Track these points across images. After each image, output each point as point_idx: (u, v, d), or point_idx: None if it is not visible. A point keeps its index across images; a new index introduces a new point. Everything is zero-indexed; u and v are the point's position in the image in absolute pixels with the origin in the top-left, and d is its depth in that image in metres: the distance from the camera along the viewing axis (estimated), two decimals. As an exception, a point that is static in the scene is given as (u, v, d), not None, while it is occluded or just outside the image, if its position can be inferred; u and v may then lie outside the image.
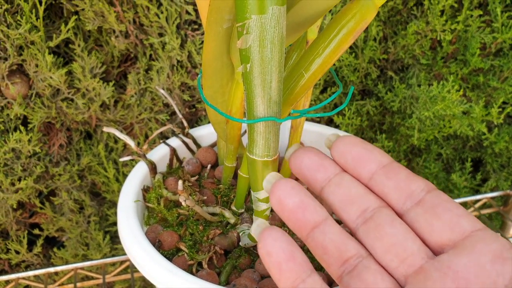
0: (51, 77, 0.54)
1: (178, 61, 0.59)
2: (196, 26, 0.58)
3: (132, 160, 0.53)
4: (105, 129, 0.37)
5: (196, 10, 0.56)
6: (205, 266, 0.32)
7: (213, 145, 0.46)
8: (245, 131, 0.45)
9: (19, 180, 0.58)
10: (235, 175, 0.39)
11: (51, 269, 0.51)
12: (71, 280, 0.53)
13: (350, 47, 0.62)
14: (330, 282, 0.32)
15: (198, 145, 0.45)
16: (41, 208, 0.63)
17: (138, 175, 0.39)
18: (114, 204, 0.66)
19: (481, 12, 0.58)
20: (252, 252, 0.35)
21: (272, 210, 0.38)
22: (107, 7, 0.53)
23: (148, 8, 0.55)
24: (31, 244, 0.65)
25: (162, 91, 0.44)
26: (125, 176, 0.63)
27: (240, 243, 0.35)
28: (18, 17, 0.50)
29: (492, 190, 0.69)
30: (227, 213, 0.36)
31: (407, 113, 0.63)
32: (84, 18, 0.54)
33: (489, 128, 0.67)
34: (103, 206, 0.66)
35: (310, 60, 0.28)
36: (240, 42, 0.23)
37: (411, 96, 0.61)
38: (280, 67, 0.24)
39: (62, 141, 0.60)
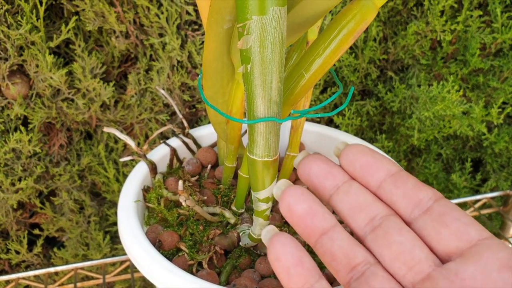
0: (51, 78, 0.54)
1: (178, 62, 0.59)
2: (196, 27, 0.58)
3: (132, 160, 0.54)
4: (105, 129, 0.37)
5: (196, 11, 0.56)
6: (205, 266, 0.32)
7: (213, 145, 0.46)
8: (246, 132, 0.45)
9: (20, 180, 0.58)
10: (235, 175, 0.39)
11: (51, 269, 0.51)
12: (71, 280, 0.53)
13: (350, 48, 0.62)
14: (330, 281, 0.32)
15: (198, 145, 0.45)
16: (41, 208, 0.63)
17: (138, 175, 0.39)
18: (114, 204, 0.66)
19: (481, 13, 0.58)
20: (252, 252, 0.35)
21: (272, 210, 0.38)
22: (107, 7, 0.53)
23: (149, 8, 0.55)
24: (31, 244, 0.65)
25: (162, 91, 0.44)
26: (125, 176, 0.63)
27: (240, 243, 0.35)
28: (19, 18, 0.50)
29: (492, 190, 0.69)
30: (227, 213, 0.36)
31: (407, 113, 0.63)
32: (85, 18, 0.54)
33: (489, 128, 0.67)
34: (103, 206, 0.66)
35: (310, 60, 0.28)
36: (240, 43, 0.23)
37: (411, 96, 0.61)
38: (280, 68, 0.24)
39: (62, 141, 0.60)
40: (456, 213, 0.21)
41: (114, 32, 0.57)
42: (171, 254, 0.34)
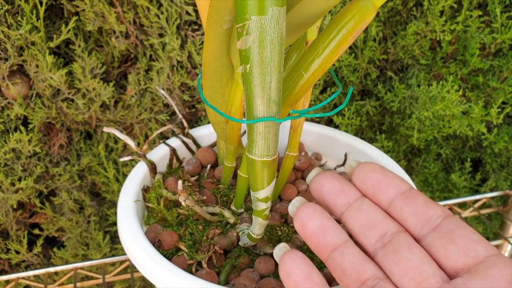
0: (51, 78, 0.54)
1: (178, 62, 0.59)
2: (196, 27, 0.58)
3: (132, 160, 0.54)
4: (105, 129, 0.37)
5: (196, 11, 0.56)
6: (204, 265, 0.32)
7: (213, 145, 0.46)
8: (245, 131, 0.45)
9: (19, 180, 0.58)
10: (235, 175, 0.39)
11: (51, 269, 0.51)
12: (71, 280, 0.53)
13: (350, 48, 0.62)
14: (329, 281, 0.32)
15: (198, 145, 0.45)
16: (41, 208, 0.63)
17: (138, 175, 0.39)
18: (114, 204, 0.66)
19: (480, 13, 0.58)
20: (251, 252, 0.35)
21: (271, 210, 0.38)
22: (107, 7, 0.53)
23: (148, 8, 0.55)
24: (31, 244, 0.65)
25: (162, 91, 0.44)
26: (125, 176, 0.63)
27: (240, 243, 0.35)
28: (19, 18, 0.50)
29: (491, 190, 0.69)
30: (226, 213, 0.36)
31: (407, 113, 0.63)
32: (85, 18, 0.54)
33: (488, 128, 0.68)
34: (103, 206, 0.66)
35: (309, 60, 0.28)
36: (240, 43, 0.23)
37: (411, 96, 0.61)
38: (279, 68, 0.24)
39: (62, 141, 0.60)
40: (464, 230, 0.22)
41: (114, 32, 0.57)
42: (170, 254, 0.34)
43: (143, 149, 0.40)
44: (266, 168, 0.28)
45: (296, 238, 0.35)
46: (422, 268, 0.22)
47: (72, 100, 0.57)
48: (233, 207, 0.37)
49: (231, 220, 0.36)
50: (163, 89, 0.58)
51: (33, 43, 0.53)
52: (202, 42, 0.57)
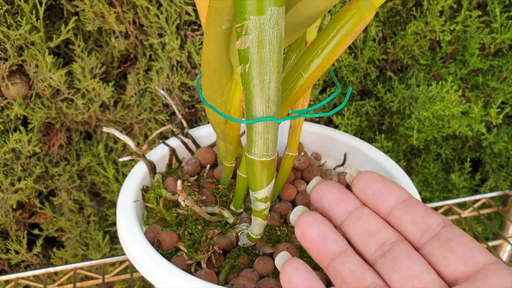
0: (51, 78, 0.54)
1: (177, 62, 0.59)
2: (195, 27, 0.58)
3: (132, 160, 0.54)
4: (105, 129, 0.37)
5: (195, 11, 0.56)
6: (203, 265, 0.32)
7: (212, 145, 0.46)
8: (244, 132, 0.45)
9: (19, 180, 0.58)
10: (234, 175, 0.39)
11: (51, 269, 0.51)
12: (70, 280, 0.53)
13: (350, 48, 0.62)
14: (328, 283, 0.32)
15: (198, 145, 0.45)
16: (40, 208, 0.63)
17: (138, 175, 0.39)
18: (113, 204, 0.66)
19: (480, 13, 0.58)
20: (250, 252, 0.35)
21: (270, 210, 0.38)
22: (107, 7, 0.53)
23: (148, 8, 0.55)
24: (30, 244, 0.65)
25: (161, 91, 0.44)
26: (124, 176, 0.63)
27: (239, 243, 0.35)
28: (18, 18, 0.50)
29: (491, 190, 0.69)
30: (226, 213, 0.36)
31: (406, 113, 0.63)
32: (84, 18, 0.54)
33: (488, 128, 0.68)
34: (102, 206, 0.66)
35: (308, 60, 0.28)
36: (239, 43, 0.23)
37: (410, 96, 0.61)
38: (278, 68, 0.24)
39: (62, 141, 0.60)
40: (463, 239, 0.22)
41: (114, 32, 0.57)
42: (169, 254, 0.34)
43: (143, 149, 0.40)
44: (265, 168, 0.28)
45: (295, 239, 0.35)
46: (422, 276, 0.22)
47: (72, 100, 0.57)
48: (232, 207, 0.37)
49: (231, 220, 0.36)
50: (162, 89, 0.58)
51: (32, 43, 0.53)
52: (202, 42, 0.57)
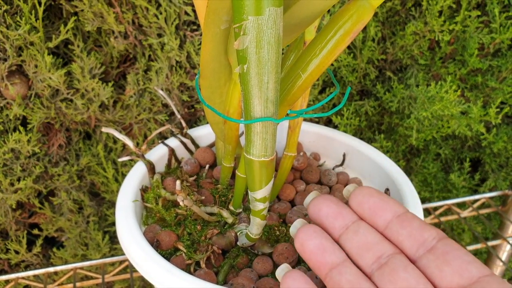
0: (50, 78, 0.54)
1: (177, 62, 0.59)
2: (195, 27, 0.58)
3: (131, 160, 0.54)
4: (104, 129, 0.37)
5: (194, 11, 0.56)
6: (203, 265, 0.33)
7: (212, 145, 0.46)
8: (243, 132, 0.45)
9: (18, 180, 0.59)
10: (233, 175, 0.39)
11: (51, 269, 0.51)
12: (70, 280, 0.53)
13: (349, 48, 0.62)
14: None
15: (197, 145, 0.45)
16: (40, 208, 0.63)
17: (137, 175, 0.39)
18: (113, 204, 0.66)
19: (479, 13, 0.58)
20: (249, 252, 0.35)
21: (269, 210, 0.38)
22: (106, 8, 0.53)
23: (147, 9, 0.55)
24: (30, 244, 0.65)
25: (161, 91, 0.44)
26: (124, 176, 0.63)
27: (238, 243, 0.35)
28: (18, 18, 0.50)
29: (490, 190, 0.69)
30: (225, 213, 0.36)
31: (406, 113, 0.63)
32: (83, 19, 0.54)
33: (487, 128, 0.68)
34: (102, 206, 0.66)
35: (307, 61, 0.28)
36: (237, 43, 0.23)
37: (410, 96, 0.61)
38: (277, 68, 0.24)
39: (61, 141, 0.60)
40: (458, 252, 0.23)
41: (113, 32, 0.57)
42: (169, 254, 0.34)
43: (142, 149, 0.40)
44: (264, 168, 0.28)
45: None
46: None
47: (71, 100, 0.57)
48: (231, 207, 0.37)
49: (230, 220, 0.36)
50: (162, 89, 0.59)
51: (32, 43, 0.53)
52: (201, 42, 0.57)
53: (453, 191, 0.71)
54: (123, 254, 0.56)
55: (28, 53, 0.53)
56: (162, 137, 0.63)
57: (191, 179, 0.41)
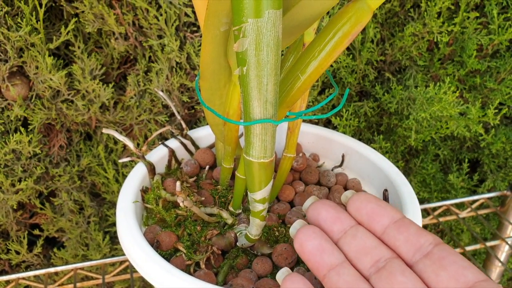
0: (51, 79, 0.54)
1: (177, 63, 0.59)
2: (195, 28, 0.58)
3: (132, 161, 0.54)
4: (105, 130, 0.38)
5: (194, 12, 0.56)
6: (202, 266, 0.33)
7: (211, 146, 0.46)
8: (243, 133, 0.45)
9: (20, 181, 0.59)
10: (233, 176, 0.40)
11: (51, 269, 0.51)
12: (71, 280, 0.53)
13: (348, 49, 0.62)
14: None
15: (197, 147, 0.46)
16: (41, 209, 0.63)
17: (137, 176, 0.40)
18: (113, 205, 0.66)
19: (477, 14, 0.59)
20: (249, 253, 0.35)
21: (268, 211, 0.39)
22: (106, 9, 0.53)
23: (148, 10, 0.55)
24: (31, 244, 0.65)
25: (161, 92, 0.44)
26: (124, 177, 0.64)
27: (238, 244, 0.35)
28: (19, 20, 0.51)
29: (489, 191, 0.70)
30: (224, 214, 0.36)
31: (404, 114, 0.63)
32: (84, 20, 0.55)
33: (486, 129, 0.68)
34: (102, 206, 0.67)
35: (306, 62, 0.28)
36: (236, 45, 0.23)
37: (408, 98, 0.61)
38: (276, 70, 0.24)
39: (62, 142, 0.61)
40: (455, 257, 0.23)
41: (114, 34, 0.57)
42: (169, 255, 0.34)
43: (142, 150, 0.41)
44: (263, 170, 0.28)
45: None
46: None
47: (72, 101, 0.58)
48: (231, 208, 0.38)
49: (229, 221, 0.36)
50: (162, 90, 0.59)
51: (32, 45, 0.53)
52: (201, 43, 0.57)
53: (451, 192, 0.71)
54: (123, 254, 0.56)
55: (29, 54, 0.53)
56: (163, 138, 0.63)
57: (191, 180, 0.41)
